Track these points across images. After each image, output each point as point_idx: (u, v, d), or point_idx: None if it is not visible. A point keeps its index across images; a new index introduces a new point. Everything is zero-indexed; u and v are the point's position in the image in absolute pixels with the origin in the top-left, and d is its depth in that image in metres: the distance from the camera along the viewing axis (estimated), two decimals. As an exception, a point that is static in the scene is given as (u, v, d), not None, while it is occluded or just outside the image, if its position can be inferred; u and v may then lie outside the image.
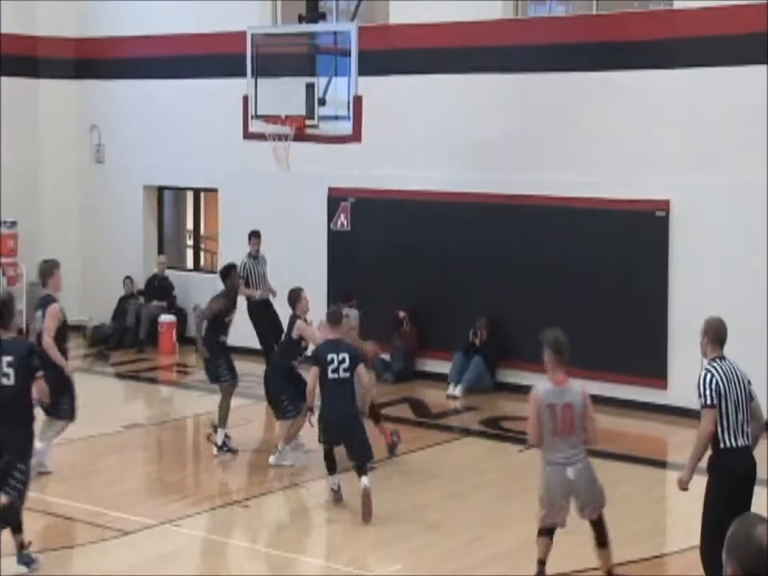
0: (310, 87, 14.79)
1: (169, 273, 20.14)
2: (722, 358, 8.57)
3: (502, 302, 16.60)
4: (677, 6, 15.53)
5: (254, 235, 17.00)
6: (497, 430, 14.91)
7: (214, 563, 10.52)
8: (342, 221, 18.03)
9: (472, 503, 11.92)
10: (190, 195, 21.65)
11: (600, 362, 15.86)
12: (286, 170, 15.36)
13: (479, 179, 16.69)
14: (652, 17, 16.06)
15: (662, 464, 13.75)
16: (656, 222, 15.44)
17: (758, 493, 9.03)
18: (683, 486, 8.57)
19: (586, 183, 15.88)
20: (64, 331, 12.19)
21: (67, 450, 13.67)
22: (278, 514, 11.94)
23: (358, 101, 14.48)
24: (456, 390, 16.38)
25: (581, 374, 15.94)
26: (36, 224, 20.63)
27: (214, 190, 19.99)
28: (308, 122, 14.84)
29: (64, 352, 12.03)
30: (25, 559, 9.61)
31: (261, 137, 15.32)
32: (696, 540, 8.65)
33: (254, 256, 16.88)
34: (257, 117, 15.30)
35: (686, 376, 14.00)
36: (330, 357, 11.34)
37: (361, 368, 11.50)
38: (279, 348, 13.99)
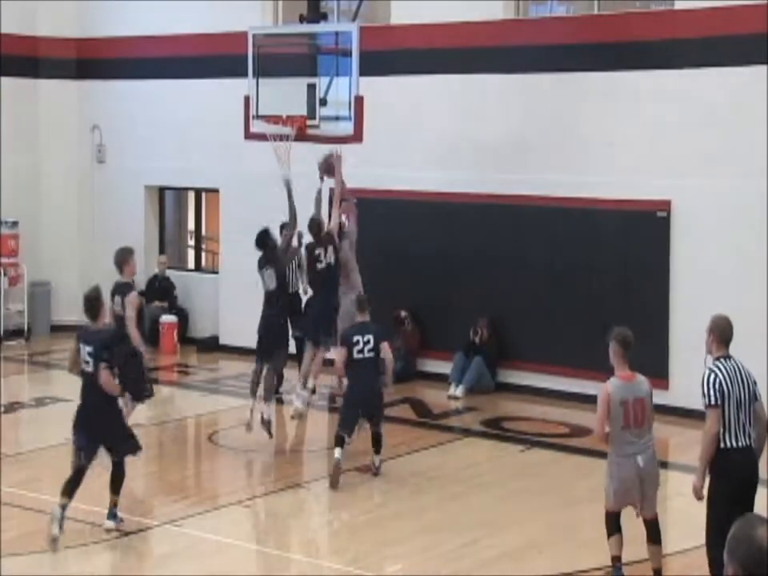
0: (311, 87, 14.78)
1: (170, 273, 20.15)
2: (728, 357, 8.54)
3: (502, 302, 16.60)
4: (678, 6, 15.53)
5: (285, 228, 16.73)
6: (498, 430, 14.90)
7: (214, 563, 10.51)
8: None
9: (473, 504, 11.91)
10: (191, 195, 21.65)
11: (601, 362, 15.80)
12: (287, 170, 15.34)
13: (481, 179, 16.69)
14: (653, 17, 16.06)
15: (663, 464, 13.72)
16: (657, 223, 15.43)
17: (758, 493, 9.03)
18: (698, 493, 8.52)
19: (588, 183, 15.89)
20: (140, 317, 13.13)
21: (69, 451, 13.67)
22: (278, 515, 11.93)
23: (359, 101, 14.47)
24: (457, 391, 16.38)
25: (581, 374, 16.02)
26: (37, 224, 20.65)
27: (215, 191, 19.99)
28: (309, 123, 14.83)
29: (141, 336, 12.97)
30: (113, 515, 10.72)
31: (262, 137, 15.31)
32: (697, 540, 8.67)
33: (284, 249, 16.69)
34: (258, 117, 15.28)
35: (687, 376, 14.01)
36: (356, 338, 12.22)
37: (385, 345, 12.41)
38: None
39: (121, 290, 13.01)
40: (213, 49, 19.08)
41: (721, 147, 14.96)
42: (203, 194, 21.32)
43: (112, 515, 10.78)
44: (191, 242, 21.91)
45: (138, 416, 15.47)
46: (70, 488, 10.55)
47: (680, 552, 10.25)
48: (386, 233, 17.29)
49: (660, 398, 15.32)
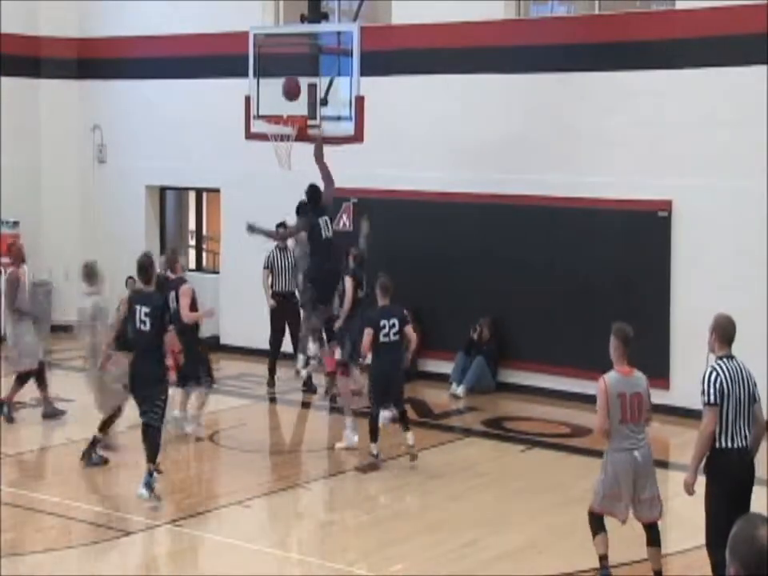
0: (312, 87, 14.79)
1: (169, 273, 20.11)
2: (730, 356, 8.54)
3: (503, 302, 16.59)
4: (679, 6, 15.53)
5: (281, 226, 16.79)
6: (499, 430, 14.90)
7: (215, 563, 10.51)
8: (345, 221, 18.03)
9: (473, 504, 11.91)
10: (192, 195, 21.65)
11: (602, 362, 15.80)
12: (287, 170, 15.35)
13: (481, 179, 16.69)
14: (654, 17, 16.05)
15: (663, 464, 13.73)
16: (658, 223, 15.43)
17: (758, 493, 9.02)
18: (689, 489, 8.52)
19: (588, 183, 15.88)
20: (195, 307, 13.53)
21: (69, 451, 13.68)
22: (279, 515, 11.93)
23: (360, 101, 14.48)
24: (459, 389, 16.38)
25: (582, 374, 16.00)
26: (38, 224, 20.64)
27: (216, 191, 19.99)
28: (310, 123, 14.83)
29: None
30: (148, 483, 11.28)
31: (263, 137, 15.32)
32: (697, 540, 8.67)
33: (281, 247, 16.76)
34: (259, 117, 15.30)
35: (688, 376, 14.00)
36: (382, 322, 12.59)
37: (408, 328, 12.86)
38: None
39: (174, 284, 13.62)
40: (214, 49, 19.08)
41: (721, 147, 14.95)
42: (204, 194, 21.32)
43: (147, 484, 11.35)
44: (192, 242, 21.91)
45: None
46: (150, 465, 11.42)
47: (680, 552, 10.24)
48: (386, 233, 17.26)
49: (660, 398, 15.35)
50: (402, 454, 12.98)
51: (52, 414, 14.60)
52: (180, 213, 22.10)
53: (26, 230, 20.22)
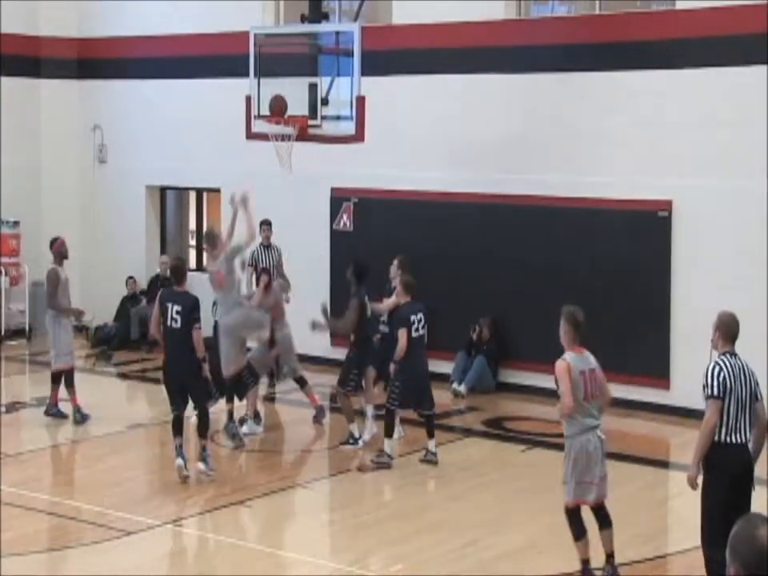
0: (312, 87, 14.79)
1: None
2: (733, 353, 8.56)
3: (504, 302, 16.59)
4: (679, 6, 15.52)
5: (265, 223, 16.72)
6: (499, 430, 14.90)
7: (216, 563, 10.52)
8: (345, 221, 18.04)
9: (474, 504, 11.91)
10: (192, 195, 21.65)
11: (602, 362, 15.79)
12: (288, 170, 15.35)
13: (482, 179, 16.69)
14: (654, 17, 16.05)
15: (664, 464, 13.75)
16: (658, 223, 15.43)
17: (758, 492, 9.02)
18: (692, 483, 8.52)
19: (589, 183, 15.88)
20: None
21: (70, 450, 13.69)
22: (280, 514, 11.93)
23: (360, 101, 14.48)
24: (461, 387, 16.38)
25: (583, 374, 15.99)
26: (38, 224, 20.63)
27: (217, 190, 19.98)
28: (311, 122, 14.84)
29: None
30: (204, 458, 12.32)
31: (263, 137, 15.32)
32: (697, 540, 8.64)
33: (265, 245, 16.75)
34: (259, 117, 15.29)
35: (688, 376, 14.01)
36: (412, 318, 12.79)
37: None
38: None
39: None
40: (214, 49, 19.08)
41: (722, 147, 14.95)
42: (204, 194, 21.31)
43: (203, 459, 12.33)
44: (192, 242, 21.90)
45: (141, 416, 15.53)
46: (176, 430, 12.35)
47: (680, 552, 10.25)
48: (386, 232, 17.29)
49: (661, 397, 15.42)
50: (422, 459, 12.97)
51: (81, 419, 14.52)
52: (180, 213, 22.09)
53: (26, 230, 20.24)
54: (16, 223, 20.19)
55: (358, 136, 14.71)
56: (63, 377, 14.57)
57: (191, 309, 12.13)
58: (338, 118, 14.80)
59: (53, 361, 14.67)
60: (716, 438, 8.38)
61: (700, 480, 8.52)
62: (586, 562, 9.32)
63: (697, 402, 8.80)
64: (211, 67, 19.16)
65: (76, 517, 11.16)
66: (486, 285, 16.68)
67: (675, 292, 15.39)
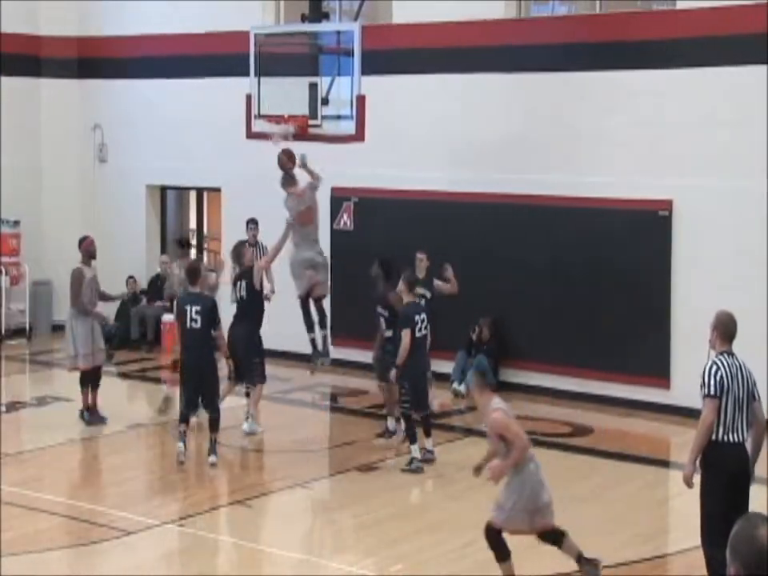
0: (312, 87, 14.78)
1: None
2: (730, 353, 8.56)
3: (505, 301, 16.59)
4: (680, 6, 15.52)
5: (252, 222, 16.92)
6: (499, 429, 14.87)
7: (216, 563, 10.52)
8: (345, 220, 18.04)
9: (474, 503, 11.88)
10: (192, 195, 21.65)
11: (603, 361, 15.86)
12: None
13: (482, 179, 16.69)
14: (654, 17, 16.05)
15: (664, 464, 13.75)
16: (659, 222, 15.43)
17: (758, 492, 9.02)
18: (688, 481, 8.52)
19: (589, 183, 15.88)
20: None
21: (70, 450, 13.69)
22: (280, 514, 11.93)
23: (361, 100, 14.47)
24: (461, 387, 16.37)
25: (584, 373, 16.03)
26: (39, 223, 20.65)
27: (217, 190, 19.99)
28: (311, 122, 14.83)
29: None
30: (214, 451, 12.81)
31: (264, 136, 15.31)
32: (698, 540, 8.64)
33: (252, 244, 16.80)
34: (260, 116, 15.29)
35: (689, 376, 13.95)
36: (416, 318, 12.80)
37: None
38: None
39: (247, 275, 14.18)
40: (214, 48, 19.07)
41: (722, 147, 14.95)
42: (205, 194, 21.32)
43: (214, 451, 12.80)
44: (193, 242, 21.90)
45: (141, 415, 15.53)
46: (183, 419, 12.85)
47: (680, 552, 10.24)
48: (387, 232, 17.28)
49: (661, 397, 15.41)
50: (420, 458, 12.92)
51: (97, 420, 14.48)
52: (181, 212, 22.11)
53: (27, 230, 20.24)
54: (16, 223, 20.19)
55: (359, 135, 14.70)
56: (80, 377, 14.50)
57: (210, 309, 12.76)
58: (339, 117, 14.78)
59: (70, 361, 14.59)
60: (713, 436, 8.38)
61: (696, 479, 8.51)
62: None
63: (697, 401, 8.78)
64: (211, 67, 19.16)
65: (76, 516, 11.15)
66: (486, 284, 16.67)
67: (675, 291, 15.39)
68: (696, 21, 15.17)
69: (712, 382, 8.38)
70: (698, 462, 8.51)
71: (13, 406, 15.60)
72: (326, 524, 11.58)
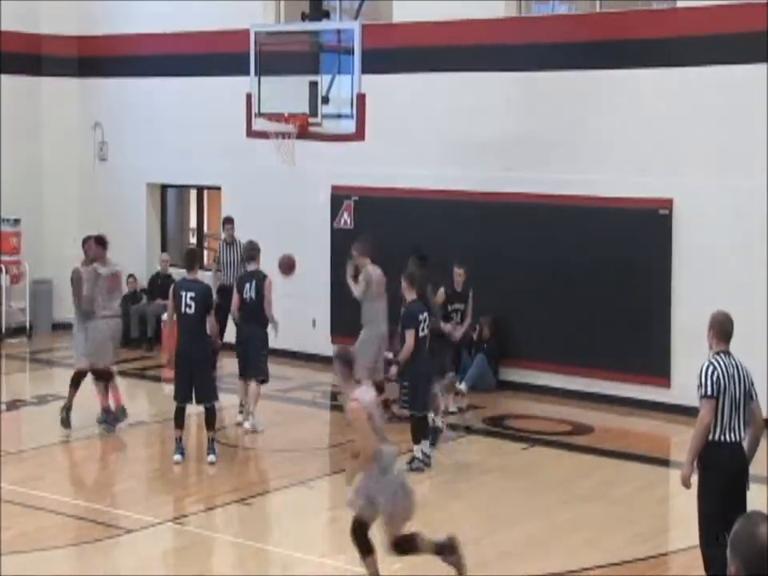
0: (313, 85, 14.79)
1: (172, 271, 20.11)
2: (727, 353, 8.55)
3: (504, 300, 16.58)
4: (680, 4, 15.52)
5: (227, 221, 17.25)
6: (500, 428, 14.90)
7: (216, 561, 10.53)
8: (346, 219, 18.03)
9: (474, 502, 11.91)
10: (193, 193, 21.65)
11: (603, 360, 15.86)
12: (291, 165, 15.34)
13: (482, 178, 16.69)
14: (655, 15, 16.05)
15: (664, 462, 13.75)
16: (659, 220, 15.43)
17: (758, 491, 9.02)
18: (686, 482, 8.52)
19: (589, 181, 15.88)
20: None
21: (70, 448, 13.69)
22: (280, 513, 11.94)
23: (361, 99, 14.47)
24: (461, 386, 16.39)
25: (584, 372, 16.03)
26: (39, 222, 20.65)
27: (217, 188, 20.00)
28: (311, 120, 14.83)
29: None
30: (213, 449, 12.88)
31: (264, 135, 15.32)
32: (697, 539, 8.63)
33: (229, 242, 16.98)
34: (260, 115, 15.29)
35: (689, 374, 13.94)
36: (420, 317, 12.64)
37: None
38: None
39: (258, 275, 14.27)
40: (215, 46, 19.07)
41: (723, 145, 14.95)
42: (205, 192, 21.32)
43: (212, 450, 12.87)
44: (193, 240, 21.91)
45: (142, 414, 15.52)
46: (178, 422, 12.88)
47: (680, 551, 10.23)
48: (387, 231, 17.26)
49: (662, 395, 15.42)
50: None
51: (104, 420, 14.39)
52: (181, 211, 22.11)
53: (27, 228, 20.24)
54: (17, 221, 20.19)
55: (359, 134, 14.71)
56: (83, 378, 14.39)
57: (204, 295, 12.84)
58: (339, 116, 14.79)
59: (75, 362, 14.55)
60: (710, 437, 8.37)
61: (694, 479, 8.51)
62: None
63: (697, 400, 8.79)
64: (212, 65, 19.16)
65: (76, 515, 11.16)
66: (488, 283, 16.65)
67: (676, 290, 15.39)
68: (696, 19, 15.17)
69: (708, 383, 8.37)
70: (695, 463, 8.50)
71: (13, 405, 15.60)
72: (326, 522, 11.58)
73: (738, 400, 8.42)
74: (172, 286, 13.27)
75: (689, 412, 13.93)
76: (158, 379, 17.92)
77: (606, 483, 12.59)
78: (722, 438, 8.37)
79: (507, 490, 12.26)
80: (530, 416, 15.44)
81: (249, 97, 15.47)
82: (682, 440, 13.78)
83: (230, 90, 17.53)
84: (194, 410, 14.01)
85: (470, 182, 16.75)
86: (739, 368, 8.51)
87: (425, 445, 12.84)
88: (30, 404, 15.73)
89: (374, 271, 14.49)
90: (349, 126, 14.66)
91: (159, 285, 19.88)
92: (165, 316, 19.10)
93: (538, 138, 16.33)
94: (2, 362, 18.79)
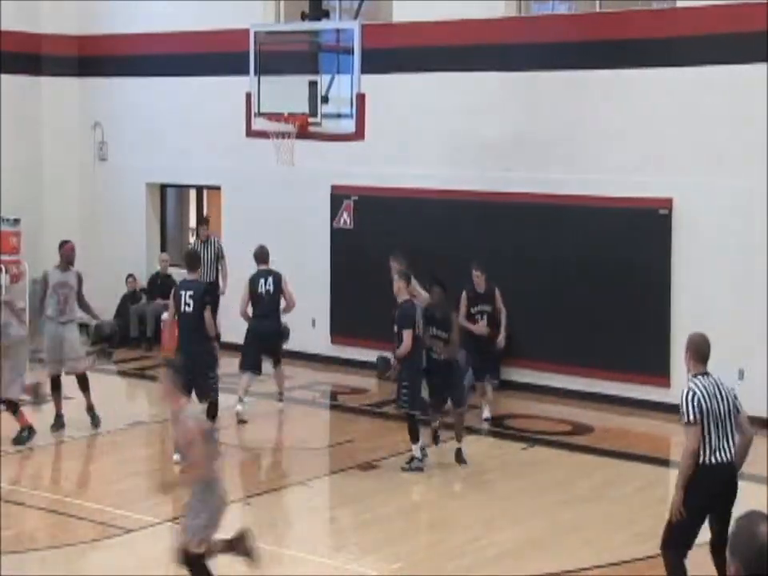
0: (312, 85, 14.78)
1: (172, 270, 20.11)
2: (705, 374, 8.49)
3: (505, 300, 16.55)
4: (679, 4, 15.52)
5: (204, 222, 18.27)
6: (500, 428, 14.90)
7: (216, 561, 10.51)
8: (345, 219, 18.03)
9: (474, 501, 11.91)
10: (192, 193, 21.65)
11: (603, 360, 15.85)
12: (290, 165, 15.33)
13: (482, 177, 16.68)
14: (655, 15, 16.05)
15: (664, 462, 13.74)
16: (659, 220, 15.43)
17: (758, 492, 9.01)
18: (679, 508, 8.39)
19: (589, 181, 15.88)
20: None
21: (70, 448, 13.68)
22: (279, 512, 11.94)
23: (361, 98, 14.46)
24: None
25: (584, 372, 16.02)
26: (39, 221, 20.64)
27: (217, 188, 20.00)
28: (311, 120, 14.83)
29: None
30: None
31: (263, 134, 15.31)
32: (699, 539, 8.62)
33: (203, 240, 17.70)
34: (259, 114, 15.29)
35: (688, 374, 13.99)
36: (416, 317, 12.67)
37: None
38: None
39: (274, 272, 14.93)
40: (214, 46, 19.07)
41: (723, 145, 14.95)
42: (205, 192, 21.32)
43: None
44: (193, 240, 21.90)
45: (141, 413, 15.53)
46: None
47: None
48: (387, 231, 17.28)
49: (661, 395, 15.40)
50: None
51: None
52: (181, 210, 22.11)
53: (27, 228, 20.22)
54: (16, 221, 20.17)
55: (358, 134, 14.70)
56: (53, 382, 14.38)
57: (203, 293, 13.23)
58: (338, 115, 14.78)
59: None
60: (699, 460, 8.31)
61: None
62: None
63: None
64: (212, 65, 19.16)
65: (76, 514, 11.15)
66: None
67: (675, 290, 15.38)
68: (696, 19, 15.17)
69: (690, 409, 8.29)
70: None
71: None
72: (326, 522, 11.59)
73: (723, 417, 8.36)
74: (173, 288, 13.65)
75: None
76: (157, 379, 17.91)
77: (606, 483, 12.59)
78: (711, 460, 8.31)
79: (507, 489, 12.27)
80: (531, 416, 15.44)
81: (248, 96, 15.47)
82: (681, 440, 13.75)
83: (229, 89, 17.53)
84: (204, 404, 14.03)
85: (470, 182, 16.74)
86: (719, 386, 8.42)
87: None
88: (29, 404, 15.68)
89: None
90: (348, 125, 14.66)
91: (159, 285, 19.88)
92: (165, 315, 19.17)
93: (537, 138, 16.33)
94: (1, 361, 18.74)
